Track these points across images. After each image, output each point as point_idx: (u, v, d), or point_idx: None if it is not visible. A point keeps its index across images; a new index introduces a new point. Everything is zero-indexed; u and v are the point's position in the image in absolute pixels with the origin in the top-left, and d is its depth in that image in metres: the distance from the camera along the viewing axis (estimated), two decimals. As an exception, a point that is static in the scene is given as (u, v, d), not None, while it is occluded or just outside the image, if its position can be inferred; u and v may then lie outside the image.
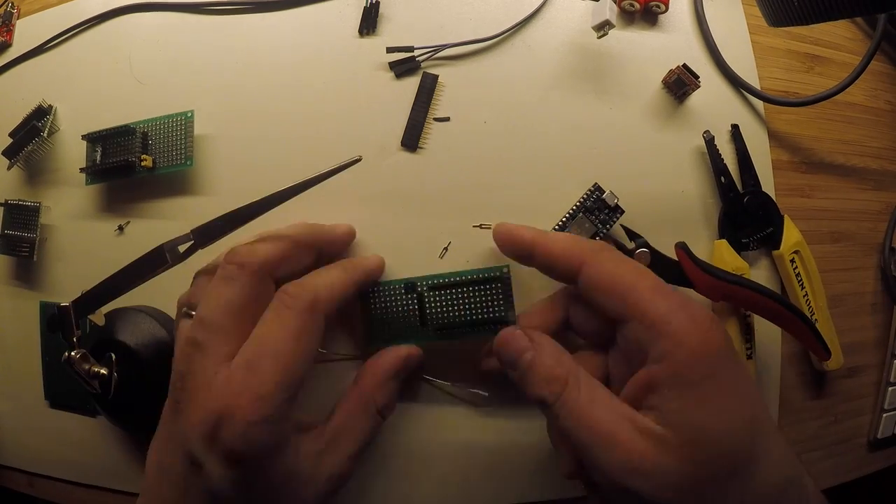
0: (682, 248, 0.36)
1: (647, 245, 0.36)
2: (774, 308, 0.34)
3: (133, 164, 0.37)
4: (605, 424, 0.23)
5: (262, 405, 0.23)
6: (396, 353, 0.32)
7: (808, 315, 0.37)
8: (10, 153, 0.39)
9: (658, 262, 0.36)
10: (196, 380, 0.24)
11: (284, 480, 0.25)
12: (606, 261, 0.27)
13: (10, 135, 0.40)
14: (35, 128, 0.39)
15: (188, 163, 0.37)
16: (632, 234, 0.37)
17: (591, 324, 0.29)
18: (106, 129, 0.38)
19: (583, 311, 0.30)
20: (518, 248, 0.31)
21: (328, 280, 0.28)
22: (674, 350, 0.23)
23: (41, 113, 0.40)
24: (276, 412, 0.23)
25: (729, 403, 0.23)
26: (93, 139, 0.39)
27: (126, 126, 0.38)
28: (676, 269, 0.36)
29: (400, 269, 0.37)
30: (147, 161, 0.37)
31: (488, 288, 0.32)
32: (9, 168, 0.40)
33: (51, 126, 0.40)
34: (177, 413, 0.25)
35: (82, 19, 0.41)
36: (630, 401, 0.25)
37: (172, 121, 0.38)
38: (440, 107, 0.38)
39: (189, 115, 0.38)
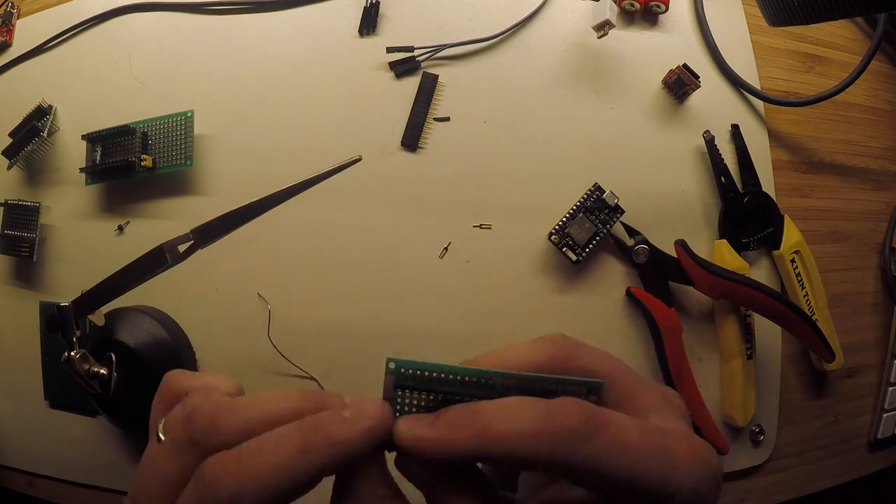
0: (681, 245, 0.36)
1: (645, 242, 0.36)
2: (776, 307, 0.34)
3: (133, 164, 0.37)
4: None
5: None
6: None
7: (809, 315, 0.37)
8: (10, 153, 0.39)
9: (657, 259, 0.36)
10: None
11: None
12: (606, 450, 0.18)
13: (10, 135, 0.40)
14: (35, 128, 0.39)
15: (188, 163, 0.37)
16: (631, 231, 0.37)
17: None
18: (106, 129, 0.38)
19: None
20: (456, 461, 0.18)
21: (267, 466, 0.18)
22: None
23: (41, 113, 0.40)
24: None
25: None
26: (93, 139, 0.39)
27: (126, 126, 0.38)
28: (675, 266, 0.36)
29: (400, 268, 0.37)
30: (147, 161, 0.37)
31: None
32: (9, 168, 0.40)
33: (51, 126, 0.40)
34: None
35: (82, 19, 0.41)
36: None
37: (172, 121, 0.38)
38: (440, 107, 0.38)
39: (189, 115, 0.38)
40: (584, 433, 0.18)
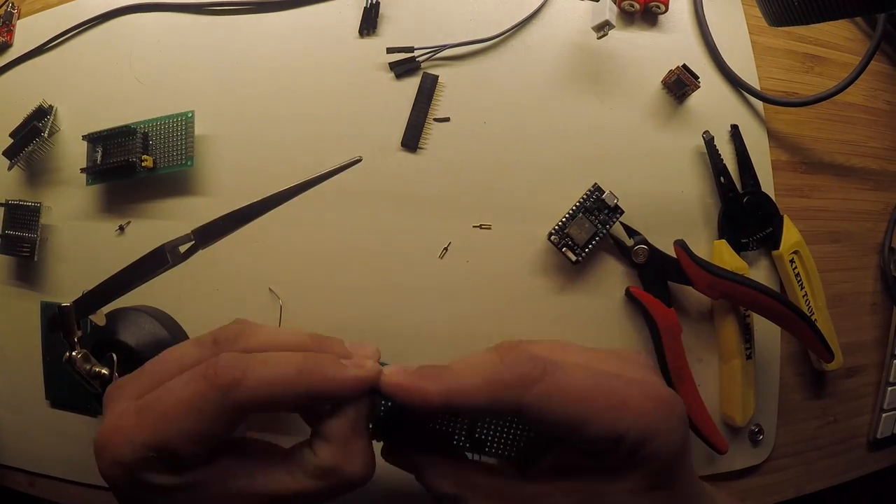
0: (680, 245, 0.36)
1: (645, 242, 0.36)
2: (775, 307, 0.35)
3: (134, 165, 0.37)
4: None
5: (124, 450, 0.22)
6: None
7: (808, 315, 0.37)
8: (10, 153, 0.39)
9: (657, 260, 0.37)
10: (109, 400, 0.24)
11: None
12: (552, 392, 0.22)
13: (11, 135, 0.40)
14: (35, 128, 0.39)
15: (188, 163, 0.37)
16: (630, 231, 0.37)
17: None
18: (106, 130, 0.38)
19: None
20: (426, 408, 0.23)
21: (270, 373, 0.22)
22: (645, 460, 0.22)
23: (41, 113, 0.40)
24: (134, 463, 0.22)
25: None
26: (93, 139, 0.39)
27: (126, 126, 0.38)
28: (675, 266, 0.36)
29: (400, 268, 0.37)
30: (148, 161, 0.37)
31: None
32: (9, 168, 0.40)
33: (51, 126, 0.40)
34: None
35: (82, 19, 0.41)
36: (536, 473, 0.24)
37: (172, 121, 0.38)
38: (440, 107, 0.38)
39: (189, 115, 0.38)
40: (533, 377, 0.22)
